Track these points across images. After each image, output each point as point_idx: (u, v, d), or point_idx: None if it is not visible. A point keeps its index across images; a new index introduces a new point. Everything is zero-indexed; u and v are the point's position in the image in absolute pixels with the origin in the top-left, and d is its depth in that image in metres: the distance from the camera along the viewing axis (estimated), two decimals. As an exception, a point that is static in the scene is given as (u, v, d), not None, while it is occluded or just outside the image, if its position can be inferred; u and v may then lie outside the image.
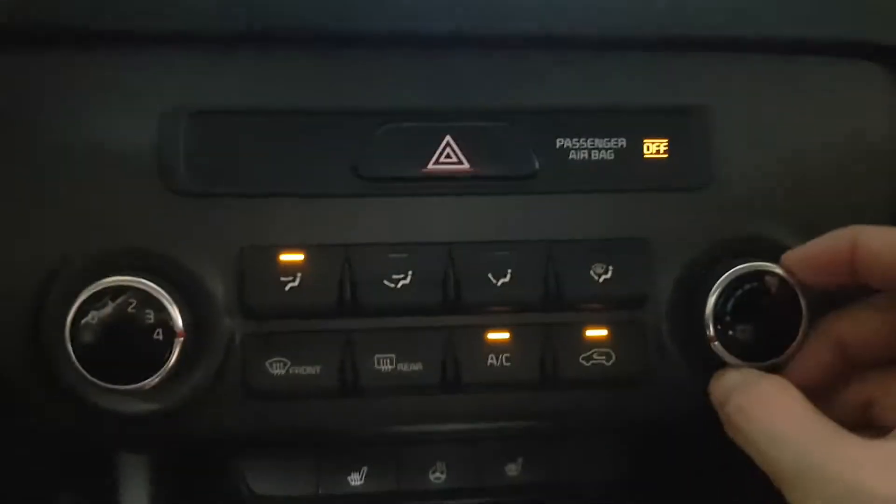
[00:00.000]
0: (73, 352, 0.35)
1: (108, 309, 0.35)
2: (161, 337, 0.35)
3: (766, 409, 0.32)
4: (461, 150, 0.38)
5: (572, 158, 0.39)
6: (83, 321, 0.35)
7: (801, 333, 0.37)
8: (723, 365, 0.37)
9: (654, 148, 0.39)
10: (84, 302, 0.35)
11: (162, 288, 0.36)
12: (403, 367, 0.39)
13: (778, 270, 0.37)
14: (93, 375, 0.35)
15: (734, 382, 0.35)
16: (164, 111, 0.37)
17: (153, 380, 0.36)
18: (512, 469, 0.50)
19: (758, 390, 0.34)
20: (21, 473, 0.47)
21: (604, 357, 0.40)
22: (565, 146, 0.39)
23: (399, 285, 0.38)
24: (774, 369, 0.37)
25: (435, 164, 0.38)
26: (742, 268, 0.38)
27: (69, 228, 0.37)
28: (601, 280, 0.39)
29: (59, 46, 0.37)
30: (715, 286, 0.37)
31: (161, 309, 0.35)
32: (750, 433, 0.32)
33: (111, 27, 0.37)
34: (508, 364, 0.39)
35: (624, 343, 0.40)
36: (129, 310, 0.35)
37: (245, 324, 0.38)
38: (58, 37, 0.37)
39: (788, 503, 0.31)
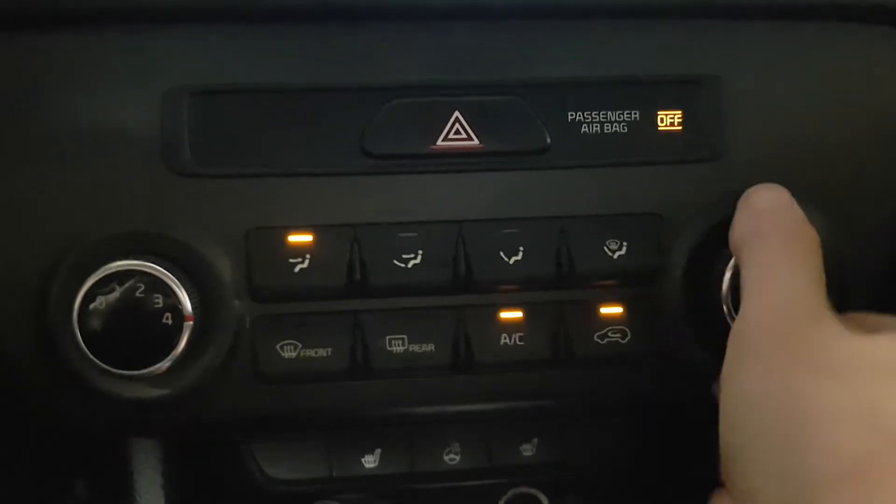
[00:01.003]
0: (82, 337, 0.35)
1: (116, 294, 0.35)
2: (170, 321, 0.35)
3: (782, 260, 0.32)
4: (470, 125, 0.38)
5: (585, 132, 0.38)
6: (91, 306, 0.35)
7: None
8: None
9: (669, 120, 0.39)
10: (91, 287, 0.35)
11: (170, 272, 0.35)
12: (415, 347, 0.38)
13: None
14: (101, 361, 0.35)
15: (775, 219, 0.34)
16: (166, 91, 0.36)
17: (163, 364, 0.35)
18: (527, 449, 0.50)
19: (784, 241, 0.33)
20: (35, 461, 0.47)
21: (619, 335, 0.39)
22: (577, 119, 0.38)
23: (409, 265, 0.37)
24: None
25: (444, 140, 0.38)
26: (759, 241, 0.37)
27: (74, 213, 0.37)
28: (615, 256, 0.38)
29: (59, 28, 0.37)
30: (732, 261, 0.37)
31: (169, 293, 0.35)
32: (751, 261, 0.33)
33: (110, 5, 0.37)
34: (521, 343, 0.39)
35: (639, 320, 0.39)
36: (137, 294, 0.35)
37: (254, 307, 0.38)
38: (57, 18, 0.37)
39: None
